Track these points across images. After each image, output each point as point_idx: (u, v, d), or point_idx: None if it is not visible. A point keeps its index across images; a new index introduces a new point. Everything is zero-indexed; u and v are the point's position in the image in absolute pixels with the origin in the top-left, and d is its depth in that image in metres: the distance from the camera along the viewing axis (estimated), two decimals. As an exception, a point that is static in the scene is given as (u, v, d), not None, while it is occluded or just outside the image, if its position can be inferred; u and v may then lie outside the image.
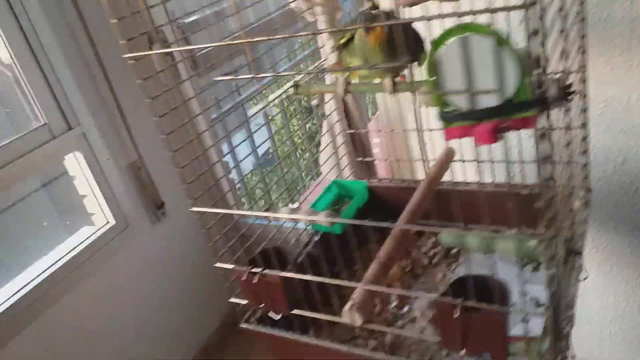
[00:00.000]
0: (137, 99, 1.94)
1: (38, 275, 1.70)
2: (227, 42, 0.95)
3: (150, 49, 1.91)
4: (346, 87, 1.06)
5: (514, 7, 0.47)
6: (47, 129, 1.69)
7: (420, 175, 1.43)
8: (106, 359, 1.89)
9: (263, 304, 0.96)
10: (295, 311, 0.95)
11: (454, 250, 1.28)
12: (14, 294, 1.63)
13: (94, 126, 1.79)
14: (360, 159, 1.41)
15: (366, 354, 0.94)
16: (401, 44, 0.64)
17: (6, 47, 1.59)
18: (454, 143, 1.27)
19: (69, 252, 1.79)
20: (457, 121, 0.60)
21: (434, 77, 0.56)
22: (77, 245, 1.82)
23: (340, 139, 1.52)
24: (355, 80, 1.08)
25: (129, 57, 0.87)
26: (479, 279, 0.78)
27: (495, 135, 0.60)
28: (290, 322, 1.02)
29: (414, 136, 1.38)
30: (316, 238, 1.25)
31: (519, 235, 0.87)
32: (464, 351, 0.79)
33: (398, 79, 1.01)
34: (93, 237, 1.85)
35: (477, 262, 1.25)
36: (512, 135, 1.13)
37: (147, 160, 1.97)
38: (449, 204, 1.20)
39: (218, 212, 0.97)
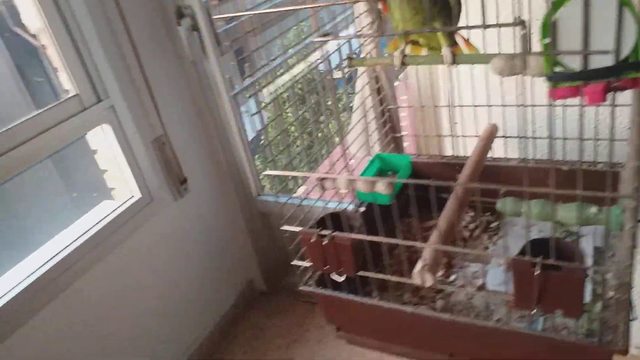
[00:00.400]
0: (164, 74, 1.94)
1: (62, 250, 1.69)
2: (296, 7, 0.96)
3: (179, 24, 1.91)
4: (403, 59, 1.09)
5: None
6: (77, 100, 1.69)
7: (449, 152, 1.46)
8: (125, 333, 1.90)
9: (327, 267, 0.99)
10: (361, 273, 0.98)
11: (494, 224, 1.33)
12: (39, 267, 1.63)
13: (122, 99, 1.79)
14: (399, 134, 1.44)
15: (433, 315, 0.97)
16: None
17: (40, 15, 1.58)
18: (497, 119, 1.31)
19: (94, 225, 1.79)
20: (567, 81, 0.63)
21: (550, 39, 0.59)
22: (103, 219, 1.82)
23: (372, 115, 1.55)
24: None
25: (218, 17, 0.89)
26: (551, 241, 0.82)
27: (605, 95, 0.64)
28: (347, 285, 1.05)
29: (445, 112, 1.41)
30: (362, 209, 1.27)
31: (581, 203, 0.91)
32: (535, 310, 0.83)
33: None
34: (119, 210, 1.85)
35: (517, 234, 1.30)
36: (556, 112, 1.17)
37: (171, 136, 1.98)
38: (490, 179, 1.24)
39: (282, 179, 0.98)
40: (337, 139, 1.28)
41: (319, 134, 1.06)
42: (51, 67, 1.74)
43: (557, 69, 0.63)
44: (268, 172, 0.95)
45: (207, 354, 2.23)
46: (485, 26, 0.64)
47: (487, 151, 1.24)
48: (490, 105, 1.28)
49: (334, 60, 1.24)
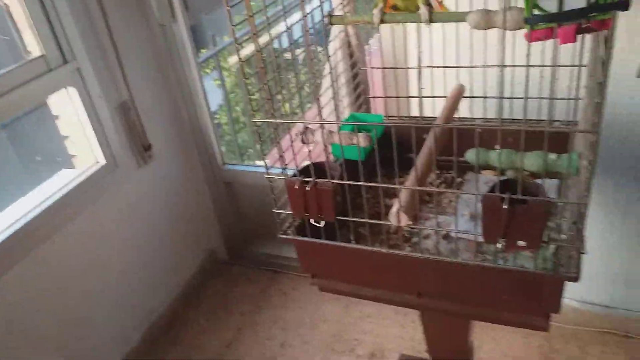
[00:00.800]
0: (131, 37, 1.93)
1: (25, 215, 1.68)
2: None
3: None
4: (382, 17, 1.14)
5: None
6: (43, 61, 1.67)
7: (415, 112, 1.53)
8: (87, 301, 1.91)
9: (308, 214, 1.05)
10: (340, 217, 1.04)
11: (458, 180, 1.42)
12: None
13: (89, 61, 1.78)
14: (371, 96, 1.50)
15: (405, 254, 1.05)
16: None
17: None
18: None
19: (57, 191, 1.78)
20: (543, 23, 0.71)
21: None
22: (66, 185, 1.80)
23: (343, 79, 1.61)
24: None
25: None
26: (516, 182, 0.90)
27: (576, 35, 0.72)
28: (323, 233, 1.11)
29: (413, 73, 1.47)
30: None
31: (542, 151, 0.99)
32: (502, 243, 0.92)
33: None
34: (83, 176, 1.84)
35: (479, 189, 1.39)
36: (518, 71, 1.25)
37: (137, 101, 1.97)
38: (458, 136, 1.33)
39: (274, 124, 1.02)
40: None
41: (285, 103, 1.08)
42: (13, 26, 1.71)
43: (536, 13, 0.70)
44: (256, 119, 0.99)
45: (169, 320, 2.26)
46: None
47: (455, 109, 1.32)
48: (459, 67, 1.35)
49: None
